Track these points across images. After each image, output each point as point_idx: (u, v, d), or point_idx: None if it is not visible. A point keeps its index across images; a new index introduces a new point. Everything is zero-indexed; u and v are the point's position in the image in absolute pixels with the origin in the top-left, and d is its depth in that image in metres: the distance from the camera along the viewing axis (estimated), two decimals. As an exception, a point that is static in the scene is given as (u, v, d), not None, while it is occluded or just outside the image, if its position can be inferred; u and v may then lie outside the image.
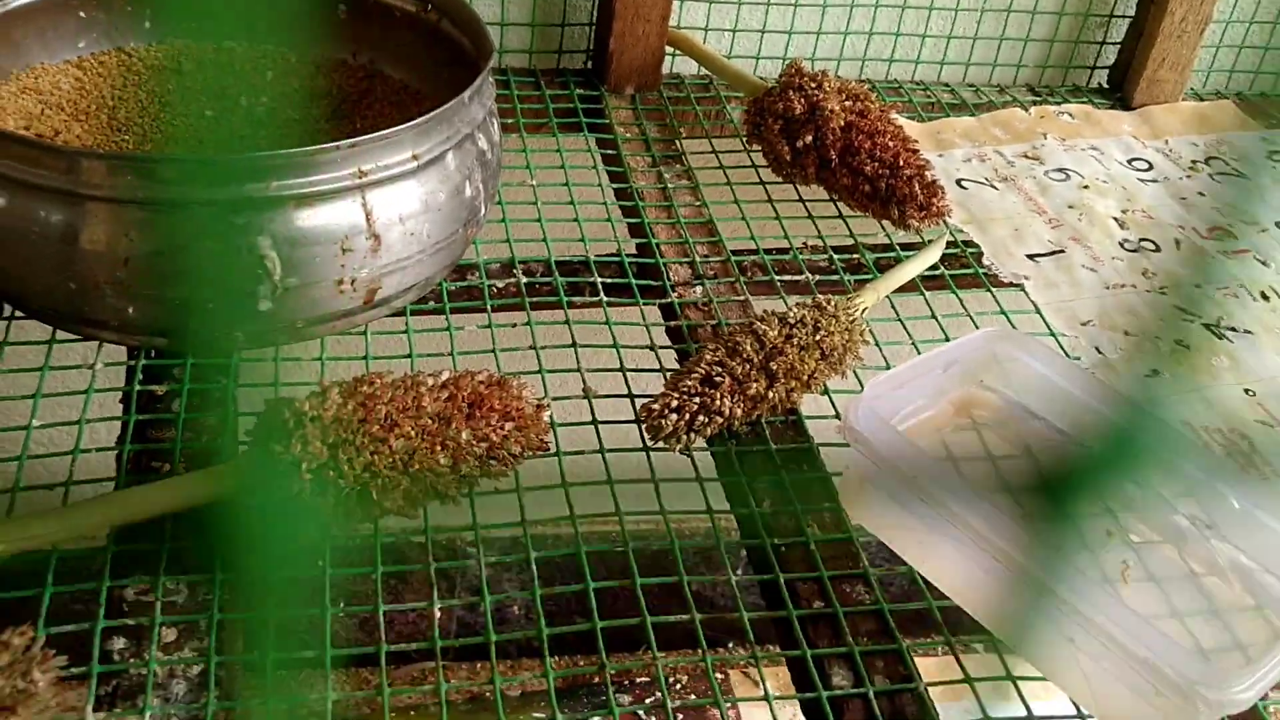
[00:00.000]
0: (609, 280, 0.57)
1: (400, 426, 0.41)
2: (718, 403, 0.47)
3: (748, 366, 0.48)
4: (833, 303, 0.51)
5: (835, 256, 0.60)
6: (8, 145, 0.45)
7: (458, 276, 0.56)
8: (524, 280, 0.56)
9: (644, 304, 0.56)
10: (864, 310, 0.53)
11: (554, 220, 0.59)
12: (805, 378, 0.49)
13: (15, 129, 0.54)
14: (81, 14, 0.60)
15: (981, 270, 0.61)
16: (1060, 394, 0.49)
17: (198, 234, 0.45)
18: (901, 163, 0.60)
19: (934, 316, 0.56)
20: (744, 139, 0.67)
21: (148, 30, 0.62)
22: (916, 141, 0.62)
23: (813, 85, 0.62)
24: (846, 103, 0.62)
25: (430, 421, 0.42)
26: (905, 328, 0.56)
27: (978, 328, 0.55)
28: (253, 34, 0.60)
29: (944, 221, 0.61)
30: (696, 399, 0.47)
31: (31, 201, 0.45)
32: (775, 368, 0.48)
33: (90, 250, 0.45)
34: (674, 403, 0.47)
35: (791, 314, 0.50)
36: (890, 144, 0.60)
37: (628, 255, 0.59)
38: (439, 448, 0.42)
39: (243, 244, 0.46)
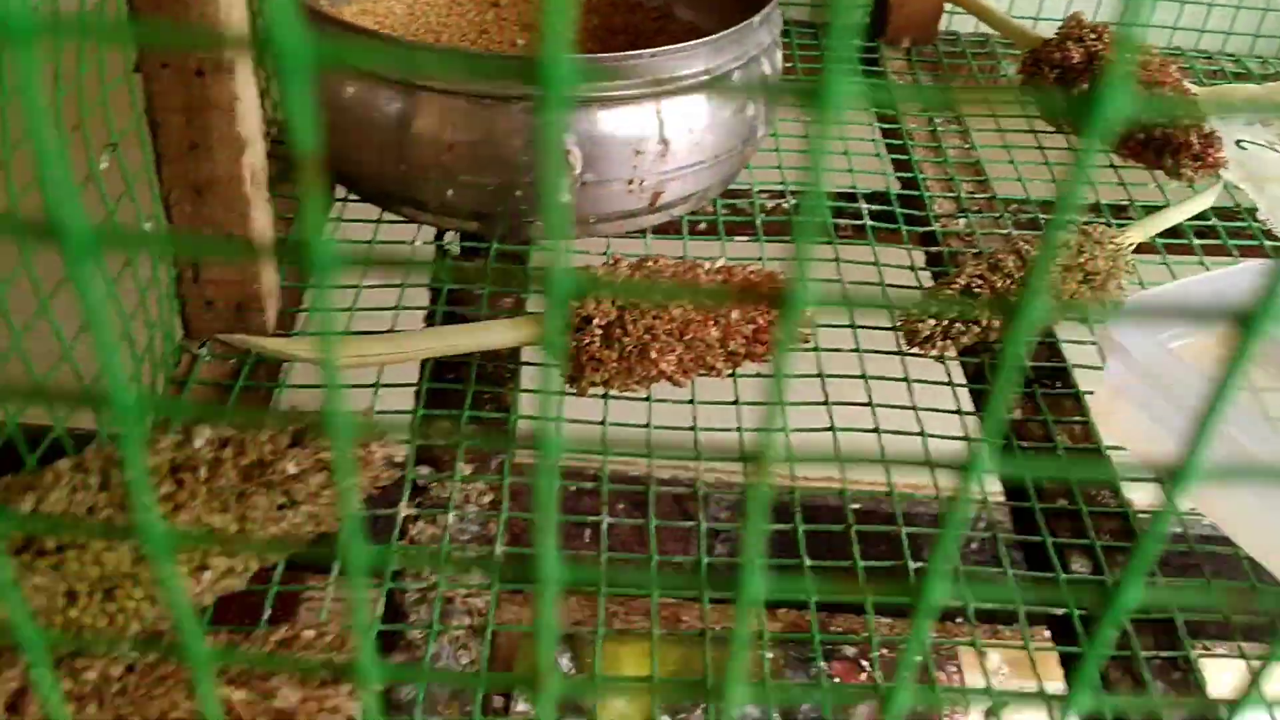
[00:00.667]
0: (874, 208, 0.59)
1: (679, 300, 0.45)
2: (975, 312, 0.49)
3: (1008, 281, 0.50)
4: (1099, 230, 0.52)
5: (1104, 203, 0.61)
6: (353, 35, 0.52)
7: (729, 198, 0.59)
8: (793, 204, 0.59)
9: (906, 229, 0.58)
10: (1130, 245, 0.54)
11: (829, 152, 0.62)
12: (1065, 298, 0.50)
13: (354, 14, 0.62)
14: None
15: (1257, 224, 0.60)
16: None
17: (513, 127, 0.51)
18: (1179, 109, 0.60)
19: (1204, 267, 0.56)
20: (1018, 89, 0.68)
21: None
22: (1196, 95, 0.61)
23: (1092, 36, 0.63)
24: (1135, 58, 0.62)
25: (705, 298, 0.46)
26: (1172, 272, 0.56)
27: (1248, 276, 0.54)
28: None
29: (1219, 175, 0.61)
30: (955, 308, 0.49)
31: (375, 90, 0.52)
32: (1023, 270, 0.49)
33: (420, 136, 0.52)
34: (933, 309, 0.49)
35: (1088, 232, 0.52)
36: (1168, 94, 0.60)
37: (894, 190, 0.61)
38: (711, 323, 0.46)
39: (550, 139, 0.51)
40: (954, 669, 0.91)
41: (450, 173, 0.52)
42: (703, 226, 0.58)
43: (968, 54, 0.73)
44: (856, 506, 0.44)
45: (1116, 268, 0.51)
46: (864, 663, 0.89)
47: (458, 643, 0.39)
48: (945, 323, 0.49)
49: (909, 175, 0.62)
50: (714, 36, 0.53)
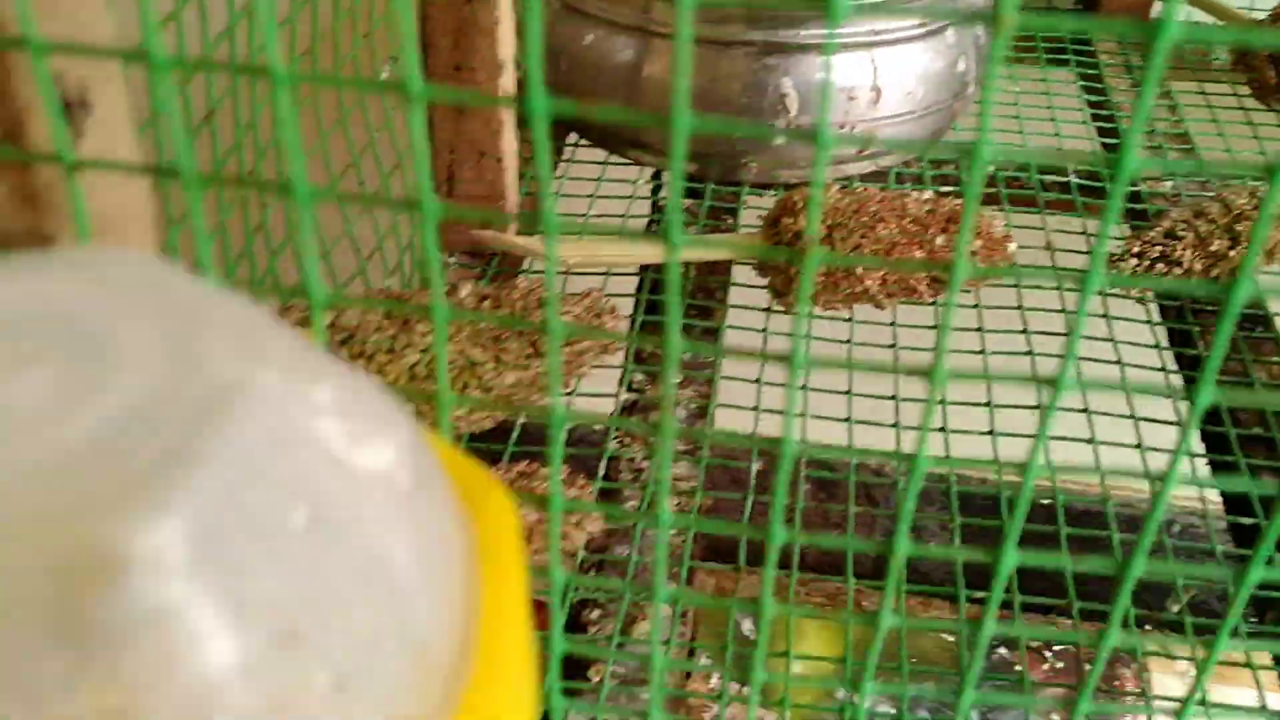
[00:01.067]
0: (1082, 182, 0.61)
1: (885, 222, 0.48)
2: (1177, 253, 0.50)
3: (1211, 227, 0.51)
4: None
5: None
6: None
7: (936, 166, 0.62)
8: (1002, 174, 0.61)
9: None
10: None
11: (1031, 132, 0.65)
12: (1271, 246, 0.51)
13: None
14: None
15: None
16: None
17: (734, 71, 0.55)
18: (1400, 84, 0.60)
19: None
20: (1229, 69, 0.68)
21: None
22: None
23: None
24: (1345, 30, 0.62)
25: (911, 224, 0.49)
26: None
27: None
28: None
29: None
30: (1158, 247, 0.51)
31: (612, 37, 0.57)
32: (1239, 230, 0.51)
33: (650, 79, 0.56)
34: (1135, 248, 0.51)
35: (1261, 189, 0.52)
36: (1389, 66, 0.60)
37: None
38: (916, 247, 0.48)
39: (769, 83, 0.55)
40: (1128, 671, 0.89)
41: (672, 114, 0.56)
42: (911, 178, 0.61)
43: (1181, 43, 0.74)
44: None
45: (1325, 220, 0.52)
46: (1046, 653, 0.88)
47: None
48: (1147, 264, 0.51)
49: (1115, 142, 0.64)
50: (929, -7, 0.56)
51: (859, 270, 0.48)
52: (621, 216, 0.57)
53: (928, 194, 0.51)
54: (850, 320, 0.50)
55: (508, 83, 0.50)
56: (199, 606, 0.11)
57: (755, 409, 0.47)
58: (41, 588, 0.11)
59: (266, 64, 0.15)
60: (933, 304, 0.50)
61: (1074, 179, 0.60)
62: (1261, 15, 0.67)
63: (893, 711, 0.43)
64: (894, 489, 0.57)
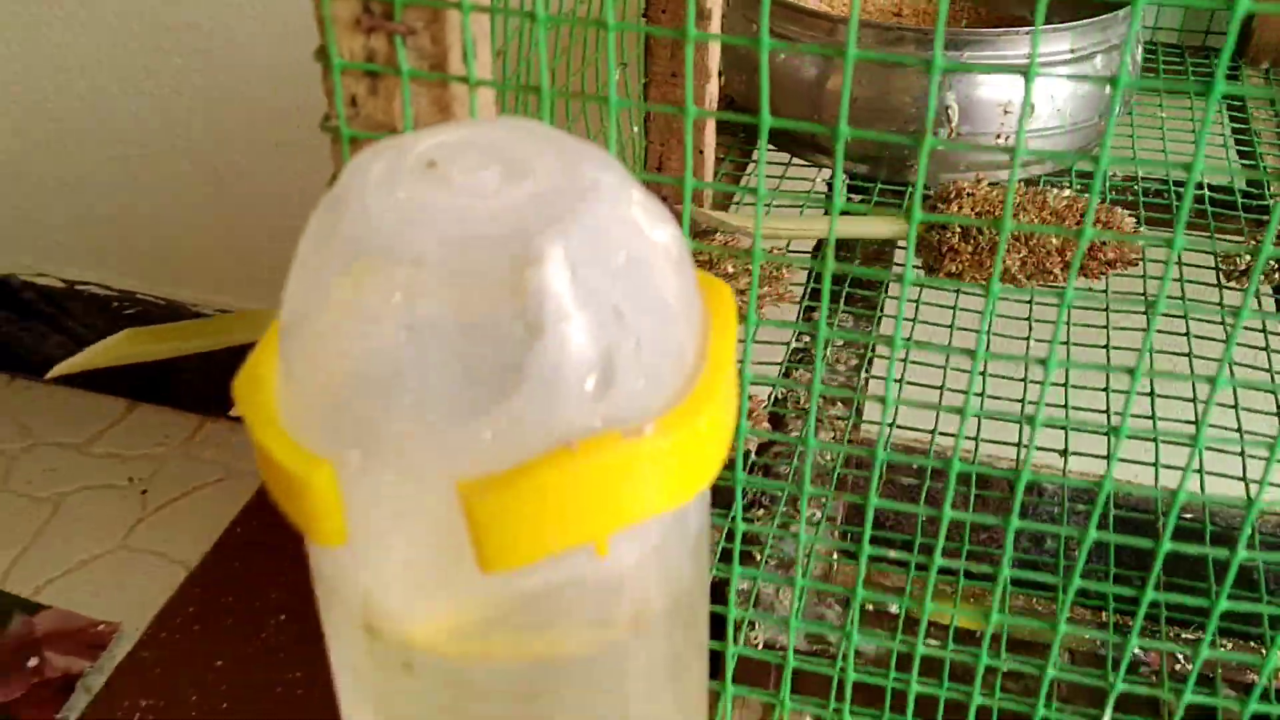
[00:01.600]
0: (1218, 197, 0.67)
1: (1026, 211, 0.57)
2: (1291, 252, 0.57)
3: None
4: None
5: None
6: (786, 11, 0.67)
7: (1085, 179, 0.70)
8: (1141, 186, 0.69)
9: (1244, 216, 0.66)
10: None
11: (1175, 153, 0.72)
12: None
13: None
14: (836, -31, 0.83)
15: None
16: None
17: (906, 85, 0.65)
18: None
19: None
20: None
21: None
22: None
23: None
24: None
25: (1049, 215, 0.57)
26: None
27: None
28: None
29: None
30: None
31: (799, 57, 0.67)
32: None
33: (831, 93, 0.66)
34: (1251, 245, 0.58)
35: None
36: None
37: (1240, 187, 0.70)
38: (1053, 237, 0.57)
39: (938, 97, 0.64)
40: None
41: (852, 123, 0.66)
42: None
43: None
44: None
45: None
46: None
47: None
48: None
49: (1252, 164, 0.70)
50: (1081, 23, 0.64)
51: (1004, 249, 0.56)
52: (800, 206, 0.66)
53: (1067, 191, 0.59)
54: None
55: (713, 89, 0.60)
56: (573, 289, 0.21)
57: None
58: (494, 293, 0.21)
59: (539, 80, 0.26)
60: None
61: (1208, 194, 0.67)
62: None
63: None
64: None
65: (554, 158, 0.23)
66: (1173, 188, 0.68)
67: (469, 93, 0.28)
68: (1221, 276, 0.59)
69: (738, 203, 0.68)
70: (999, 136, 0.65)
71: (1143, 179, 0.69)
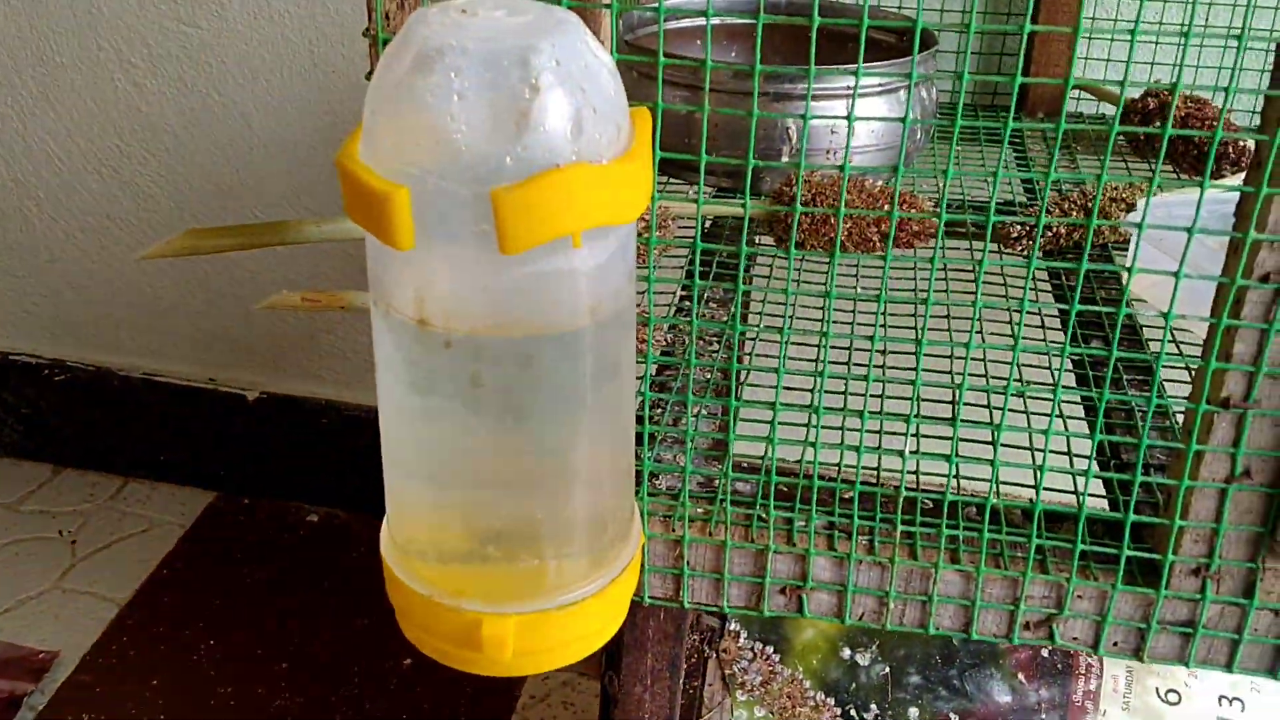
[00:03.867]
0: (1004, 210, 0.86)
1: (851, 194, 0.74)
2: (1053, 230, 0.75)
3: (1073, 207, 0.76)
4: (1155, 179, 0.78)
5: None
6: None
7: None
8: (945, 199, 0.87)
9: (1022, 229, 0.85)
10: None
11: (970, 184, 0.91)
12: (1110, 215, 0.76)
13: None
14: (696, 41, 1.02)
15: None
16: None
17: (753, 112, 0.82)
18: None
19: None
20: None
21: (733, 57, 1.03)
22: (1239, 127, 0.87)
23: (1165, 93, 0.90)
24: (1191, 105, 0.89)
25: (868, 199, 0.74)
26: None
27: None
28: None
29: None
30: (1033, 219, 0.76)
31: (675, 92, 0.84)
32: (1090, 206, 0.76)
33: (697, 120, 0.83)
34: (1025, 230, 0.76)
35: (1114, 185, 0.78)
36: (1212, 122, 0.86)
37: (1019, 198, 0.89)
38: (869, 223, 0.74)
39: (778, 120, 0.82)
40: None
41: (711, 146, 0.83)
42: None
43: (1086, 124, 1.01)
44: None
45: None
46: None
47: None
48: (1029, 228, 0.76)
49: (1029, 187, 0.90)
50: (888, 63, 0.83)
51: (830, 223, 0.73)
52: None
53: (880, 182, 0.76)
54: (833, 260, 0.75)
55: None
56: (556, 71, 0.37)
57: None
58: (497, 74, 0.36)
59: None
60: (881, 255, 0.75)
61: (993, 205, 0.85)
62: (1136, 93, 0.93)
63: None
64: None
65: (539, 4, 0.39)
66: (966, 201, 0.86)
67: None
68: (1000, 248, 0.77)
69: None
70: (828, 152, 0.83)
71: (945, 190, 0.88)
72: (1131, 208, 0.76)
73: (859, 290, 0.73)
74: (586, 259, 0.39)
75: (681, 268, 0.74)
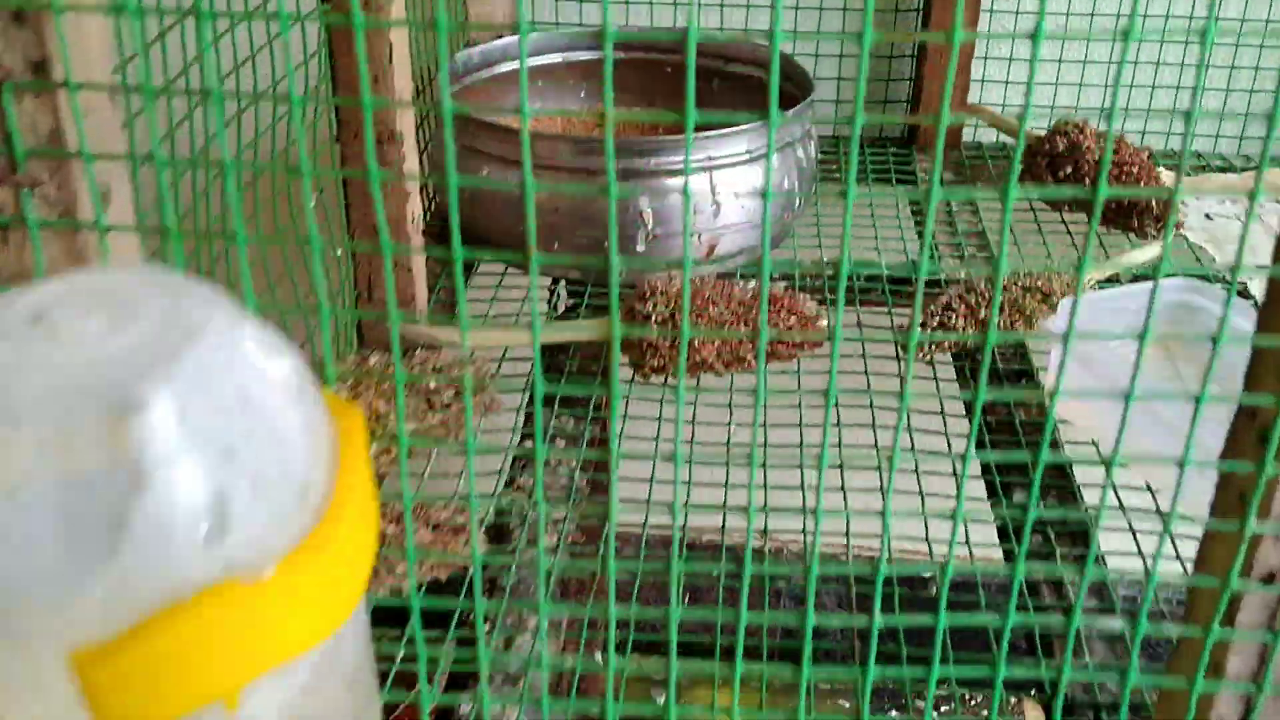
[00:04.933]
0: (894, 275, 0.74)
1: (716, 304, 0.61)
2: (953, 322, 0.63)
3: (980, 300, 0.64)
4: (1059, 265, 0.66)
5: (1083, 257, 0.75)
6: (489, 130, 0.70)
7: (782, 268, 0.75)
8: (828, 272, 0.75)
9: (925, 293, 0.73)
10: (1090, 281, 0.67)
11: (860, 237, 0.78)
12: (1027, 313, 0.64)
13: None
14: (539, 84, 0.87)
15: (1213, 273, 0.73)
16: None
17: (600, 194, 0.68)
18: (1143, 183, 0.74)
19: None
20: (1020, 177, 0.83)
21: (581, 99, 0.88)
22: (1161, 170, 0.75)
23: (1075, 130, 0.78)
24: (1102, 143, 0.77)
25: (738, 306, 0.61)
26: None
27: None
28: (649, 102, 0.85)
29: (1181, 237, 0.74)
30: (937, 318, 0.63)
31: (503, 170, 0.70)
32: (1002, 301, 0.63)
33: (537, 203, 0.69)
34: (920, 319, 0.64)
35: (1023, 271, 0.66)
36: (1136, 170, 0.75)
37: (911, 258, 0.76)
38: (742, 323, 0.61)
39: (630, 202, 0.68)
40: None
41: (555, 231, 0.69)
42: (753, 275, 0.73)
43: (986, 157, 0.89)
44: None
45: (1070, 293, 0.65)
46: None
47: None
48: (930, 330, 0.63)
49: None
50: (753, 125, 0.69)
51: (698, 343, 0.60)
52: (515, 316, 0.69)
53: (752, 284, 0.63)
54: (696, 389, 0.62)
55: (415, 207, 0.62)
56: (178, 433, 0.22)
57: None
58: (94, 434, 0.22)
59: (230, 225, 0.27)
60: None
61: (885, 272, 0.73)
62: (1042, 130, 0.82)
63: None
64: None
65: (163, 300, 0.24)
66: (857, 269, 0.74)
67: (99, 239, 0.29)
68: (899, 350, 0.64)
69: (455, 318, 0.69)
70: (692, 235, 0.69)
71: (827, 265, 0.75)
72: (1048, 297, 0.64)
73: (732, 430, 0.60)
74: (263, 706, 0.25)
75: (514, 425, 0.61)
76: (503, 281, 0.73)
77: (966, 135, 0.90)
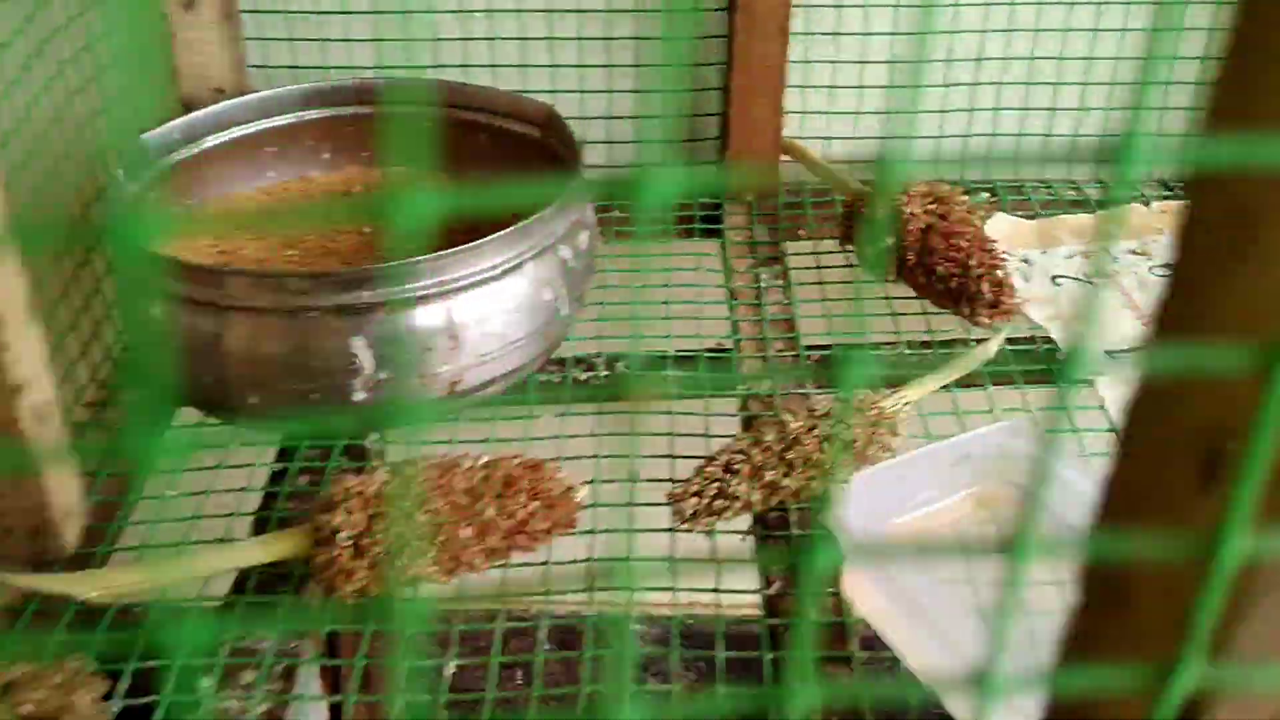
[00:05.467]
0: (685, 373, 0.62)
1: (439, 497, 0.48)
2: (733, 488, 0.51)
3: (766, 455, 0.52)
4: (863, 396, 0.54)
5: (908, 352, 0.63)
6: (176, 269, 0.56)
7: (551, 369, 0.63)
8: (604, 374, 0.62)
9: (712, 396, 0.61)
10: (904, 404, 0.56)
11: (650, 318, 0.66)
12: (826, 467, 0.52)
13: (206, 246, 0.67)
14: (271, 149, 0.73)
15: (1053, 367, 0.62)
16: (1081, 493, 0.50)
17: (307, 335, 0.55)
18: (974, 262, 0.62)
19: (991, 411, 0.58)
20: (839, 241, 0.71)
21: (326, 161, 0.74)
22: (995, 241, 0.64)
23: (901, 195, 0.65)
24: (930, 206, 0.65)
25: (462, 497, 0.49)
26: (963, 423, 0.58)
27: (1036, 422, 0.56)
28: (411, 161, 0.71)
29: (1021, 316, 0.63)
30: (715, 484, 0.52)
31: (191, 314, 0.56)
32: (793, 457, 0.52)
33: (230, 351, 0.55)
34: (695, 488, 0.52)
35: (819, 406, 0.54)
36: (965, 244, 0.63)
37: (708, 351, 0.64)
38: (465, 522, 0.49)
39: (339, 344, 0.55)
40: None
41: (253, 382, 0.56)
42: (515, 398, 0.61)
43: (807, 204, 0.76)
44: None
45: (879, 434, 0.54)
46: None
47: None
48: (708, 500, 0.52)
49: (726, 336, 0.65)
50: (498, 235, 0.56)
51: (402, 560, 0.48)
52: (230, 515, 0.55)
53: (484, 459, 0.51)
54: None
55: (38, 395, 0.49)
56: None
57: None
58: None
59: None
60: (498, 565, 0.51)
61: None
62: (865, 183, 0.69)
63: None
64: None
65: None
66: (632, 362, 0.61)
67: None
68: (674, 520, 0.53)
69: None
70: (425, 377, 0.56)
71: (604, 363, 0.63)
72: (880, 422, 0.53)
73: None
74: None
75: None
76: (225, 460, 0.59)
77: (789, 172, 0.78)
